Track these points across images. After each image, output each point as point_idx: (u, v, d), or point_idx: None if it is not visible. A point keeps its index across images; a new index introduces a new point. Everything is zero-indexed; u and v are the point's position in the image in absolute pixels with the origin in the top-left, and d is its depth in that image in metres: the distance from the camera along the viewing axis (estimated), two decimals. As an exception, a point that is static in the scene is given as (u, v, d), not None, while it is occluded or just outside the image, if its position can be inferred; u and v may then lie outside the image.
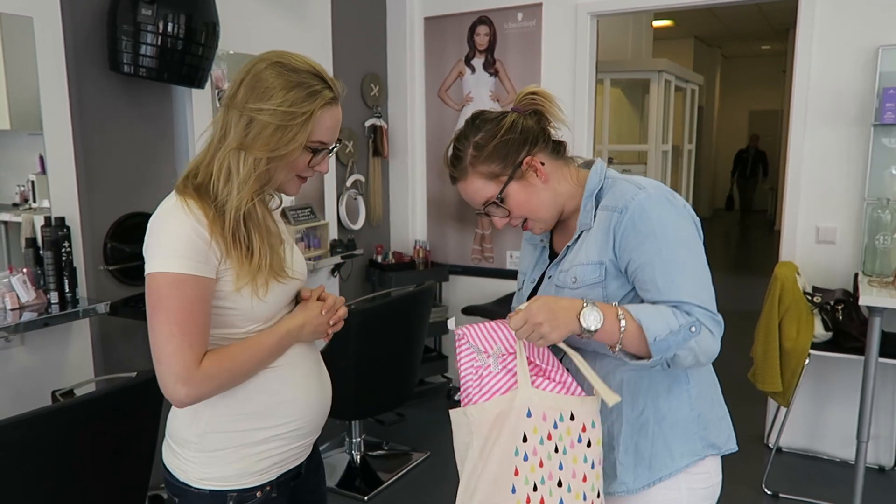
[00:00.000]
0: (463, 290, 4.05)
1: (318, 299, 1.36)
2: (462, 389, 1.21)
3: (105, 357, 2.60)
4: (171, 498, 1.34)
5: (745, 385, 3.06)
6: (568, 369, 1.24)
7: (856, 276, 2.94)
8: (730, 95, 12.65)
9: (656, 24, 8.29)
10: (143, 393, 1.85)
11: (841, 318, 2.78)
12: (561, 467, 1.13)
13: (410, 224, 4.16)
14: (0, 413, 1.64)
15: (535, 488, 1.12)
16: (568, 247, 1.29)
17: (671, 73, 6.45)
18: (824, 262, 3.13)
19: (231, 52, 2.91)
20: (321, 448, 3.23)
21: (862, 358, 2.65)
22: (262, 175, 1.22)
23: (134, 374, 1.85)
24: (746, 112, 12.79)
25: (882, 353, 2.62)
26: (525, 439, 1.12)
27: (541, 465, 1.12)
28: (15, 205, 2.43)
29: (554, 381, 1.18)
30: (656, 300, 1.16)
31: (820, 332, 2.81)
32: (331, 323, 1.35)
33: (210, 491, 1.28)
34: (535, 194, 1.26)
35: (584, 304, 1.12)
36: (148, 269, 1.17)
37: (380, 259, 3.95)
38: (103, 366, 2.58)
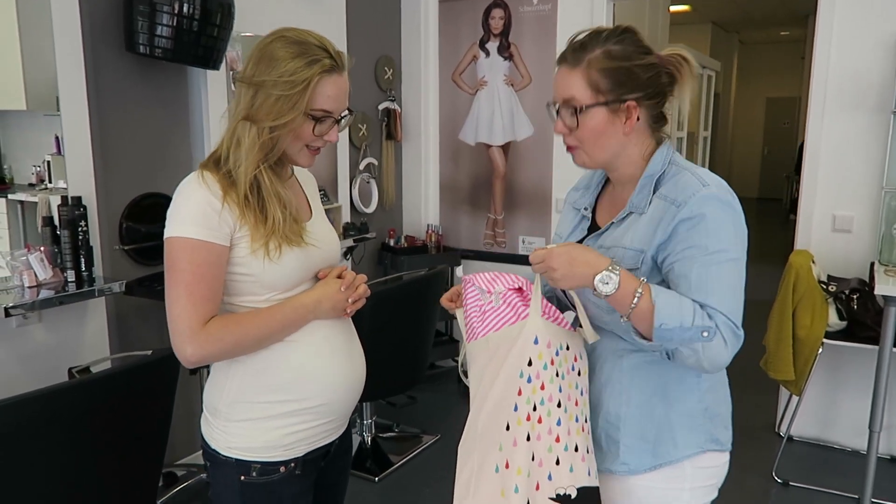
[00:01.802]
0: (475, 275, 4.05)
1: (339, 277, 1.37)
2: (466, 328, 1.29)
3: (120, 335, 2.63)
4: (205, 463, 1.38)
5: (757, 373, 3.05)
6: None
7: (872, 265, 2.91)
8: (747, 82, 12.50)
9: (673, 9, 8.18)
10: (157, 371, 1.88)
11: (856, 307, 2.75)
12: (560, 390, 1.20)
13: (423, 208, 4.16)
14: (18, 389, 1.67)
15: (534, 408, 1.18)
16: (612, 223, 1.25)
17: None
18: (840, 251, 3.10)
19: (245, 34, 2.91)
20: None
21: (876, 348, 2.63)
22: (265, 144, 1.26)
23: (149, 352, 1.87)
24: (764, 99, 12.64)
25: (897, 343, 2.60)
26: (530, 363, 1.19)
27: (542, 387, 1.18)
28: (31, 185, 2.45)
29: (551, 316, 1.27)
30: (684, 294, 1.14)
31: (834, 321, 2.79)
32: (350, 301, 1.36)
33: (236, 460, 1.32)
34: (610, 135, 1.21)
35: (606, 268, 1.12)
36: (165, 235, 1.24)
37: (392, 243, 3.96)
38: (119, 344, 2.62)
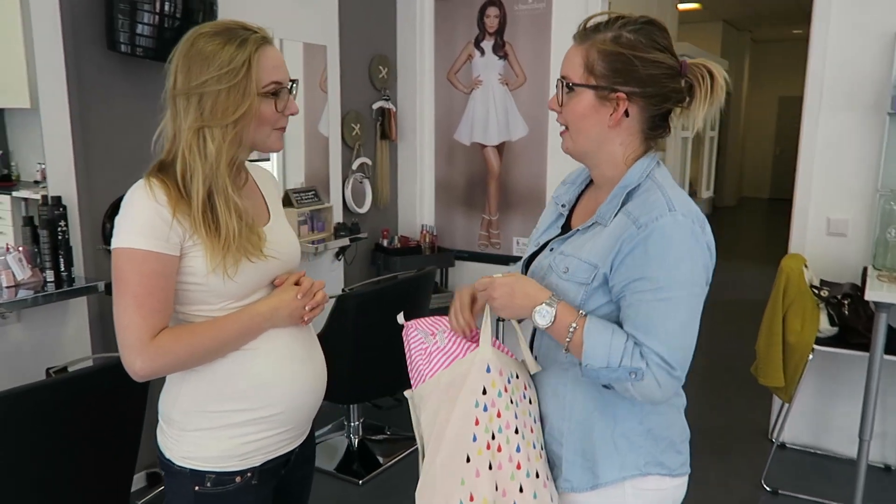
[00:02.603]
0: (468, 276, 4.02)
1: (296, 283, 1.35)
2: (413, 375, 1.28)
3: (103, 336, 2.63)
4: (160, 472, 1.36)
5: (751, 378, 3.00)
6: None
7: (864, 269, 2.85)
8: (759, 81, 12.35)
9: (682, 6, 8.08)
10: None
11: (847, 312, 2.70)
12: (516, 416, 1.20)
13: (418, 208, 4.14)
14: None
15: (493, 436, 1.17)
16: (578, 230, 1.22)
17: (693, 57, 6.29)
18: (835, 255, 3.04)
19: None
20: (322, 430, 3.30)
21: (867, 354, 2.58)
22: (234, 141, 1.23)
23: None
24: (776, 98, 12.48)
25: (888, 350, 2.53)
26: (484, 391, 1.19)
27: (498, 415, 1.18)
28: (36, 182, 2.46)
29: (499, 347, 1.28)
30: (626, 328, 1.12)
31: (825, 326, 2.73)
32: (307, 308, 1.34)
33: (190, 470, 1.29)
34: (594, 123, 1.16)
35: (545, 302, 1.14)
36: (112, 245, 1.21)
37: (385, 243, 3.94)
38: (101, 344, 2.62)
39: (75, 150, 2.42)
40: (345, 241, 3.51)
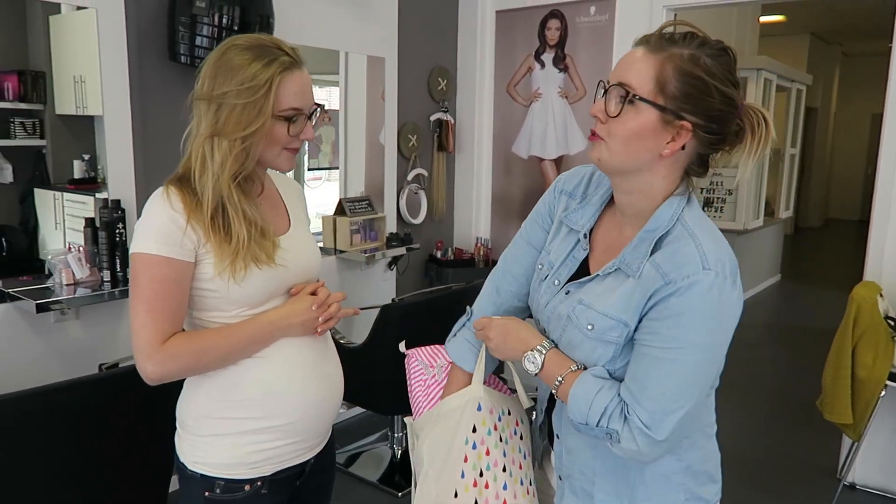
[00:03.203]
0: (522, 291, 3.95)
1: (313, 293, 1.34)
2: (413, 405, 1.31)
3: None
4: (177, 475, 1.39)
5: (816, 411, 2.81)
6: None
7: (948, 301, 2.63)
8: (850, 97, 11.70)
9: (765, 19, 7.77)
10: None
11: (925, 347, 2.48)
12: (504, 454, 1.22)
13: (474, 221, 4.11)
14: (51, 380, 1.76)
15: (480, 474, 1.19)
16: (598, 275, 1.11)
17: (772, 71, 6.03)
18: (915, 284, 2.81)
19: (291, 44, 2.96)
20: (367, 440, 3.31)
21: (947, 394, 2.36)
22: (239, 156, 1.23)
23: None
24: (869, 115, 11.79)
25: (971, 391, 2.32)
26: (474, 430, 1.21)
27: (487, 453, 1.20)
28: None
29: (491, 383, 1.32)
30: (625, 381, 1.07)
31: (900, 361, 2.53)
32: (321, 319, 1.33)
33: (201, 475, 1.31)
34: (647, 146, 1.03)
35: (535, 348, 1.13)
36: (130, 250, 1.24)
37: (439, 255, 3.92)
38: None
39: (135, 155, 2.53)
40: (396, 252, 3.52)
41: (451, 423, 1.21)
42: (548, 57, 3.73)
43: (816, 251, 9.70)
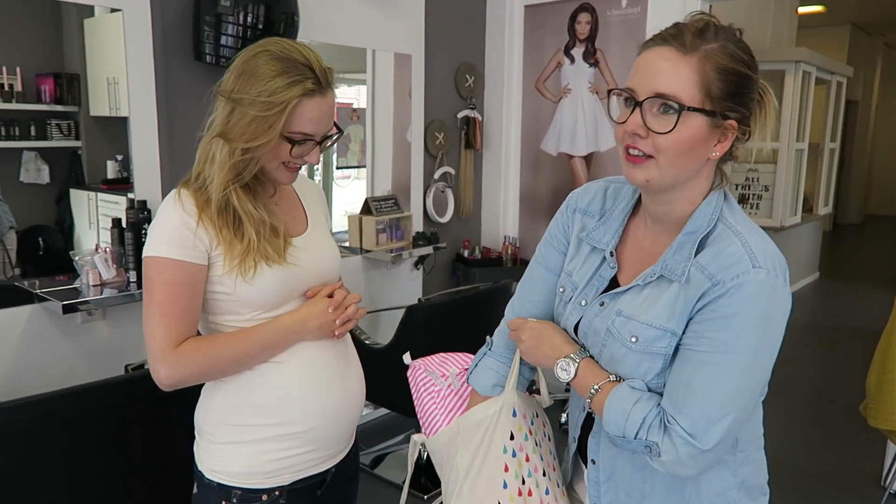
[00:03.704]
0: (552, 291, 3.88)
1: (329, 296, 1.31)
2: (424, 419, 1.25)
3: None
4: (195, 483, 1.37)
5: (860, 417, 2.70)
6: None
7: None
8: (892, 89, 11.34)
9: (803, 10, 7.54)
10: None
11: (977, 352, 2.36)
12: (542, 458, 1.19)
13: (501, 219, 4.05)
14: (77, 381, 1.78)
15: (523, 482, 1.15)
16: (637, 284, 1.04)
17: (811, 63, 5.85)
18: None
19: (317, 42, 2.93)
20: (393, 441, 3.28)
21: None
22: (237, 165, 1.21)
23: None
24: (914, 108, 11.43)
25: None
26: (512, 437, 1.16)
27: (527, 459, 1.16)
28: None
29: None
30: (666, 388, 1.01)
31: (950, 366, 2.41)
32: (338, 322, 1.30)
33: (217, 484, 1.28)
34: (696, 156, 0.96)
35: (568, 355, 1.08)
36: (143, 254, 1.23)
37: (466, 254, 3.87)
38: (181, 343, 2.70)
39: (161, 156, 2.52)
40: (422, 251, 3.48)
41: (485, 433, 1.17)
42: (577, 52, 3.65)
43: (856, 248, 9.42)
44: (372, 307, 3.33)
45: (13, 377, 2.23)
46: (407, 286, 3.61)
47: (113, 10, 2.39)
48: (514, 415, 1.17)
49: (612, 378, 1.05)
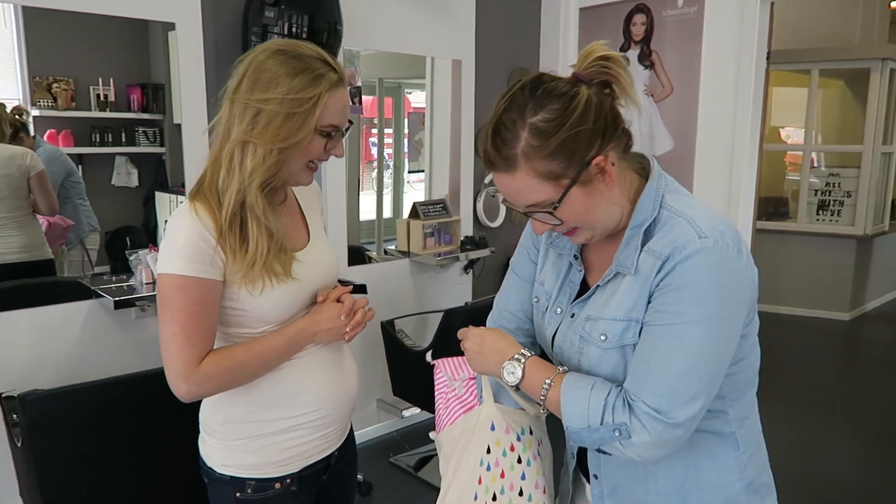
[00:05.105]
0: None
1: (338, 301, 1.34)
2: (436, 419, 1.26)
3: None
4: (204, 480, 1.41)
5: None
6: None
7: None
8: None
9: (897, 3, 7.05)
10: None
11: None
12: (524, 477, 1.15)
13: (555, 224, 3.99)
14: (130, 371, 1.96)
15: (494, 497, 1.13)
16: (598, 286, 1.06)
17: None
18: None
19: (364, 50, 3.00)
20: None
21: None
22: (272, 166, 1.21)
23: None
24: None
25: None
26: (489, 451, 1.15)
27: (502, 475, 1.14)
28: None
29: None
30: (629, 370, 0.99)
31: None
32: (348, 328, 1.33)
33: (231, 477, 1.33)
34: (599, 203, 0.99)
35: (513, 357, 1.06)
36: (157, 270, 1.22)
37: (517, 258, 3.85)
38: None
39: (212, 161, 2.65)
40: (471, 255, 3.49)
41: (466, 443, 1.17)
42: (633, 54, 3.57)
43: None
44: (419, 310, 3.37)
45: (73, 365, 2.40)
46: (455, 290, 3.63)
47: (164, 24, 2.53)
48: (493, 428, 1.15)
49: (561, 370, 1.04)
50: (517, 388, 1.07)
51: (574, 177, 0.96)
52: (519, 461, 1.15)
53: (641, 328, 0.99)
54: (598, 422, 0.96)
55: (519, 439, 1.16)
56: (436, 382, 1.28)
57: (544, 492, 1.16)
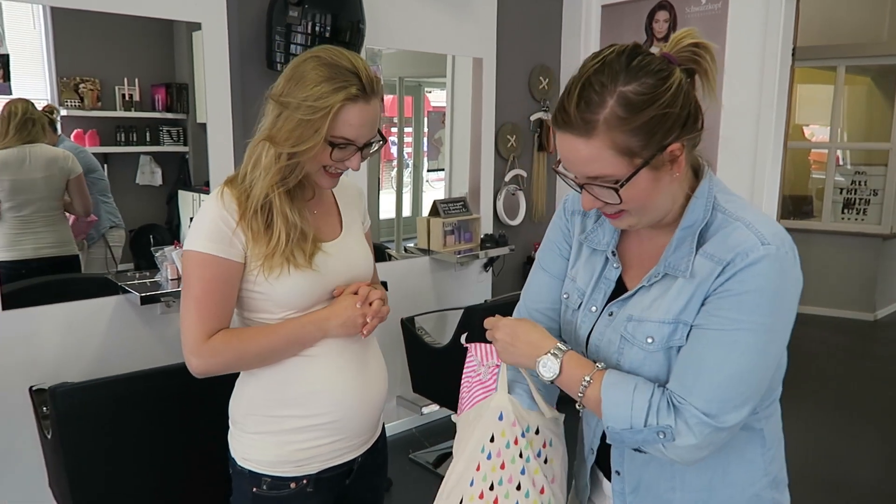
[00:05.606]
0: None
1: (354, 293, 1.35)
2: (459, 401, 1.24)
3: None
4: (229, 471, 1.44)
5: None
6: None
7: None
8: None
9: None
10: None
11: None
12: (523, 472, 1.13)
13: (575, 222, 3.98)
14: (156, 365, 2.00)
15: (491, 487, 1.11)
16: (643, 286, 1.03)
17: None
18: None
19: (387, 49, 3.01)
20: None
21: None
22: (283, 168, 1.25)
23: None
24: None
25: None
26: (492, 439, 1.12)
27: (502, 467, 1.12)
28: None
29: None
30: (673, 371, 0.98)
31: None
32: (368, 318, 1.33)
33: (249, 471, 1.35)
34: (660, 190, 0.96)
35: (549, 351, 1.03)
36: (183, 248, 1.29)
37: (537, 256, 3.84)
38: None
39: (235, 159, 2.68)
40: (491, 253, 3.49)
41: (474, 429, 1.16)
42: (655, 51, 3.54)
43: None
44: (439, 308, 3.38)
45: (101, 359, 2.44)
46: (475, 288, 3.64)
47: (189, 24, 2.56)
48: (501, 418, 1.13)
49: (601, 366, 1.01)
50: (552, 382, 1.04)
51: (648, 158, 0.92)
52: (520, 456, 1.13)
53: (689, 330, 0.97)
54: (641, 423, 0.94)
55: (524, 435, 1.14)
56: (467, 365, 1.26)
57: (542, 492, 1.13)
